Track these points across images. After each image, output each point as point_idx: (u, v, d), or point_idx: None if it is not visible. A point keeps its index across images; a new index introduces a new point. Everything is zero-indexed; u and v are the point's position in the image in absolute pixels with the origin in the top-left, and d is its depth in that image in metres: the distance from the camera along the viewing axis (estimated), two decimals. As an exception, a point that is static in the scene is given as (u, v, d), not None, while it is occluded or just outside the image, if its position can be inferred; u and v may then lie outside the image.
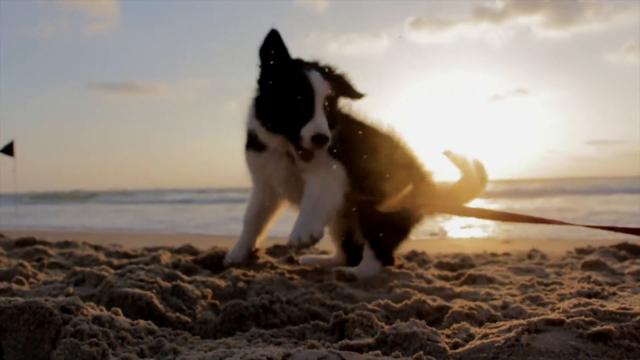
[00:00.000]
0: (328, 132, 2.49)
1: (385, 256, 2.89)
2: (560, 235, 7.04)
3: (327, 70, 2.66)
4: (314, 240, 2.56)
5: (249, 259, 3.05)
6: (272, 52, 2.60)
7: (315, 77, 2.55)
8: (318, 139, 2.47)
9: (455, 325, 1.74)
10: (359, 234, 2.95)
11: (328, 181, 2.70)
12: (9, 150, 14.24)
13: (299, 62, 2.64)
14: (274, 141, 2.68)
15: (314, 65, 2.65)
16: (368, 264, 2.83)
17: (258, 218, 3.08)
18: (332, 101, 2.63)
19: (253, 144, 2.82)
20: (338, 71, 2.72)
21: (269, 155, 2.77)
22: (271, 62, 2.61)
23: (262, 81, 2.68)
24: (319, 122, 2.49)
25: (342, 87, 2.70)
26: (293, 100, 2.53)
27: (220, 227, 10.36)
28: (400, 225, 2.91)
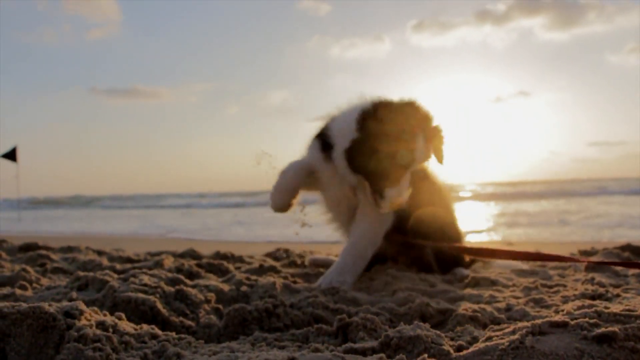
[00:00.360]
0: (405, 199, 2.65)
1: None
2: (563, 239, 7.03)
3: (430, 132, 2.69)
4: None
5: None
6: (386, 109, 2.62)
7: (419, 144, 2.60)
8: (395, 207, 2.66)
9: (459, 328, 1.73)
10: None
11: (374, 227, 2.86)
12: (11, 155, 14.28)
13: (407, 120, 2.62)
14: (352, 178, 2.74)
15: (421, 126, 2.65)
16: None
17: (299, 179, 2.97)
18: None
19: (328, 150, 2.81)
20: (440, 133, 2.75)
21: (336, 172, 2.81)
22: (378, 118, 2.60)
23: (364, 127, 2.62)
24: (402, 190, 2.62)
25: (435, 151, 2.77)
26: (392, 162, 2.59)
27: (223, 232, 10.36)
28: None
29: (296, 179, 2.89)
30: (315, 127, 2.97)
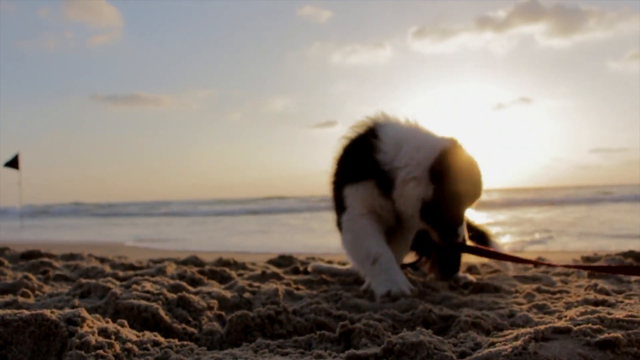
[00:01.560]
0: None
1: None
2: (565, 247, 7.01)
3: None
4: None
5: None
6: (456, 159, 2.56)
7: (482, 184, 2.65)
8: (461, 243, 2.69)
9: (461, 334, 1.73)
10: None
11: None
12: (14, 163, 14.32)
13: (474, 165, 2.64)
14: (418, 223, 2.65)
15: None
16: None
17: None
18: None
19: (386, 188, 2.64)
20: None
21: (388, 206, 2.69)
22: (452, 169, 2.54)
23: (442, 179, 2.53)
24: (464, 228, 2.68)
25: None
26: (463, 205, 2.64)
27: (225, 240, 10.36)
28: None
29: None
30: (350, 146, 2.80)
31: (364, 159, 2.66)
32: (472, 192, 2.63)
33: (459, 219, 2.63)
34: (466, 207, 2.67)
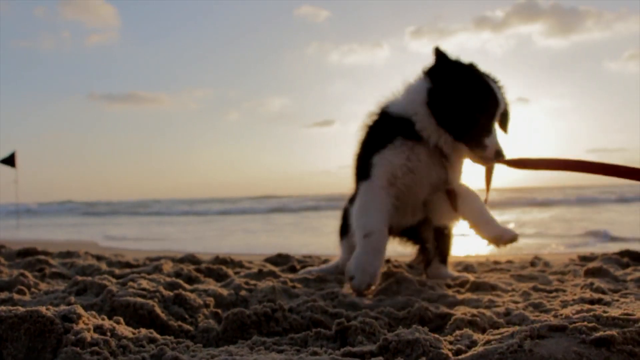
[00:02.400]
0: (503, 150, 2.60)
1: None
2: (562, 245, 7.02)
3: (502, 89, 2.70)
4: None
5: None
6: (450, 58, 2.62)
7: (500, 93, 2.62)
8: (499, 154, 2.59)
9: (457, 332, 1.73)
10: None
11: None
12: (10, 161, 14.28)
13: (482, 73, 2.65)
14: (449, 144, 2.63)
15: (493, 79, 2.67)
16: None
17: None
18: (501, 118, 2.71)
19: (406, 132, 2.66)
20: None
21: (425, 153, 2.67)
22: (452, 67, 2.60)
23: (441, 83, 2.61)
24: (498, 138, 2.60)
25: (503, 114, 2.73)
26: (480, 111, 2.57)
27: (222, 240, 10.35)
28: None
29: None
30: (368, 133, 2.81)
31: (389, 125, 2.71)
32: (483, 97, 2.57)
33: (480, 128, 2.57)
34: (485, 116, 2.58)
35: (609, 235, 7.75)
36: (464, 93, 2.55)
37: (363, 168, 2.74)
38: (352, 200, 2.95)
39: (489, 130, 2.59)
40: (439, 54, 2.62)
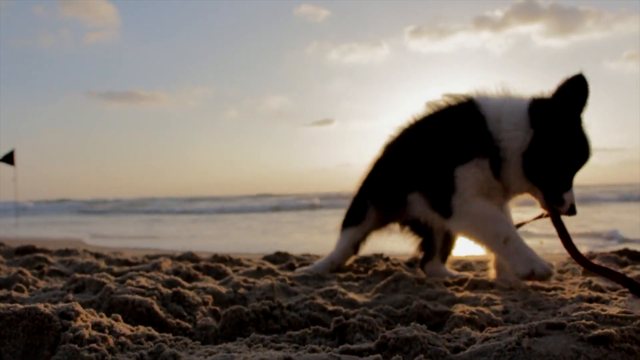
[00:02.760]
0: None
1: None
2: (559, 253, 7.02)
3: None
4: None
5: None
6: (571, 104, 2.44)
7: (591, 144, 2.48)
8: (572, 211, 2.50)
9: (456, 330, 1.73)
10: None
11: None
12: (9, 159, 14.28)
13: (582, 123, 2.48)
14: (521, 188, 2.59)
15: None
16: None
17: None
18: None
19: (489, 153, 2.56)
20: None
21: (498, 184, 2.61)
22: (562, 117, 2.44)
23: (546, 131, 2.45)
24: (573, 195, 2.49)
25: None
26: (573, 166, 2.47)
27: (220, 238, 10.35)
28: None
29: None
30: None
31: (475, 136, 2.57)
32: (579, 148, 2.45)
33: (564, 180, 2.47)
34: (573, 168, 2.49)
35: (619, 237, 7.72)
36: (565, 145, 2.44)
37: (439, 176, 2.66)
38: (366, 190, 2.94)
39: (570, 184, 2.50)
40: (577, 85, 2.44)
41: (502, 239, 2.50)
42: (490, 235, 2.54)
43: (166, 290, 2.22)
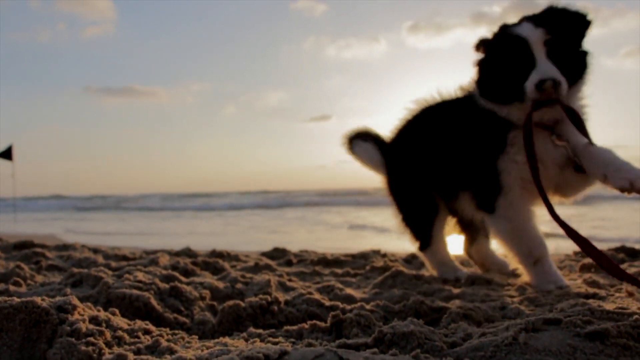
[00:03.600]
0: (555, 74, 2.20)
1: None
2: (560, 245, 7.03)
3: (540, 16, 2.36)
4: None
5: None
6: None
7: (523, 29, 2.29)
8: (541, 84, 2.19)
9: (453, 325, 1.73)
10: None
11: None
12: (7, 154, 14.25)
13: (506, 26, 2.39)
14: (513, 113, 2.37)
15: (525, 19, 2.37)
16: None
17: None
18: (558, 44, 2.30)
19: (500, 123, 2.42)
20: (564, 11, 2.39)
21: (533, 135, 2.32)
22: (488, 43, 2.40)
23: (481, 66, 2.45)
24: (543, 68, 2.21)
25: (566, 24, 2.36)
26: (509, 62, 2.31)
27: (217, 235, 10.35)
28: None
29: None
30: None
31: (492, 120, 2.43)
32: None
33: (515, 78, 2.29)
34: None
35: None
36: (491, 65, 2.43)
37: (484, 176, 2.52)
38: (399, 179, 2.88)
39: (528, 73, 2.28)
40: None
41: (534, 259, 2.51)
42: (524, 253, 2.52)
43: (164, 285, 2.22)
